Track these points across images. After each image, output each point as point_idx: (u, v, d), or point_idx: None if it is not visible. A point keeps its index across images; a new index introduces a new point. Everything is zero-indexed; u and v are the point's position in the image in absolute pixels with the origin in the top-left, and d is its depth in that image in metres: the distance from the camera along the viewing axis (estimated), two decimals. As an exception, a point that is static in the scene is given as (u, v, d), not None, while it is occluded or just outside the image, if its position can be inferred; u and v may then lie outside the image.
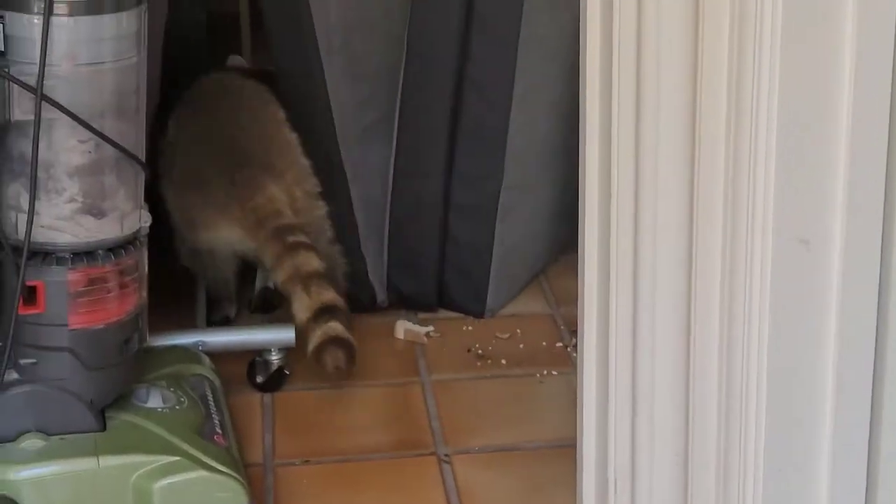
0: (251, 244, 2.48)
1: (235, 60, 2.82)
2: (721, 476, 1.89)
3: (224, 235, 2.51)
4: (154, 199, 2.25)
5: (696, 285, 1.84)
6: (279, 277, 2.43)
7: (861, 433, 1.79)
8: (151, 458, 2.03)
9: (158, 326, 2.34)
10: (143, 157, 2.04)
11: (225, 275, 2.62)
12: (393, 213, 2.69)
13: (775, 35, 1.65)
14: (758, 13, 1.63)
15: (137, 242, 2.06)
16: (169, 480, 2.02)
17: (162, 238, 2.35)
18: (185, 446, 2.06)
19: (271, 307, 2.63)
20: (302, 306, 2.39)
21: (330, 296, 2.39)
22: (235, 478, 2.05)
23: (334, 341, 2.35)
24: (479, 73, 2.57)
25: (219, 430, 2.16)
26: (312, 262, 2.41)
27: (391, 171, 2.67)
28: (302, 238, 2.43)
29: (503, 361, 2.56)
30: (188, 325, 2.53)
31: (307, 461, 2.27)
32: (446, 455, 2.27)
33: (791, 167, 1.69)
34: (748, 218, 1.73)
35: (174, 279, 2.76)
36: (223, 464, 2.06)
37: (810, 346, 1.76)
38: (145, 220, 2.07)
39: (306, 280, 2.39)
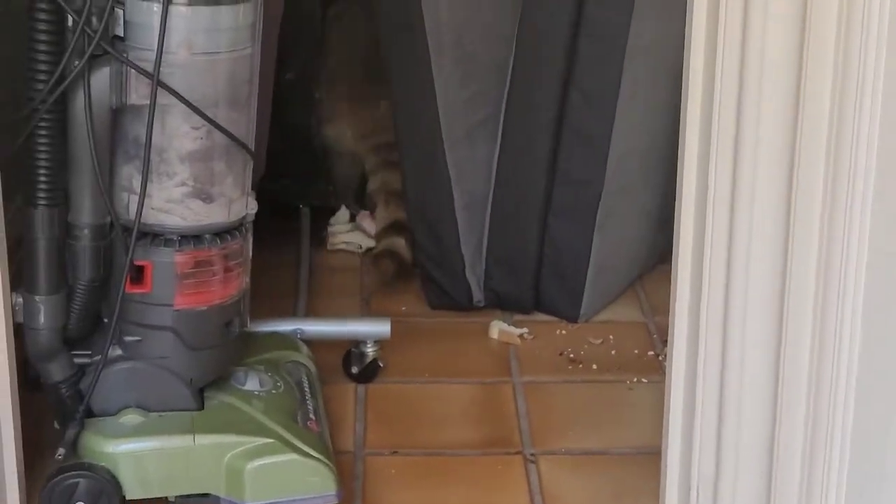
0: (359, 148, 2.96)
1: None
2: (804, 488, 1.90)
3: (337, 133, 2.96)
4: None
5: (789, 296, 1.85)
6: (371, 186, 2.94)
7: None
8: (245, 439, 2.08)
9: (260, 313, 2.40)
10: (252, 145, 2.09)
11: (345, 171, 3.02)
12: (494, 214, 2.73)
13: (881, 43, 1.66)
14: (864, 21, 1.65)
15: (243, 228, 2.12)
16: (261, 462, 2.07)
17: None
18: (279, 429, 2.11)
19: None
20: (380, 217, 2.89)
21: (403, 214, 2.80)
22: (326, 463, 2.10)
23: (392, 255, 2.80)
24: (585, 77, 2.60)
25: (312, 416, 2.21)
26: (398, 182, 2.79)
27: (494, 171, 2.70)
28: (395, 157, 2.78)
29: (594, 367, 2.59)
30: (288, 313, 2.57)
31: (396, 452, 2.31)
32: (532, 455, 2.30)
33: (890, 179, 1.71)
34: (845, 228, 1.74)
35: (278, 269, 2.84)
36: (315, 449, 2.11)
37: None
38: (252, 206, 2.12)
39: (388, 196, 2.86)
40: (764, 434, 1.91)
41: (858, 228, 1.73)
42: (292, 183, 2.99)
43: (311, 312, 2.68)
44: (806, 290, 1.83)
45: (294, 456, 2.08)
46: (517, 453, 2.31)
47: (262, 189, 2.55)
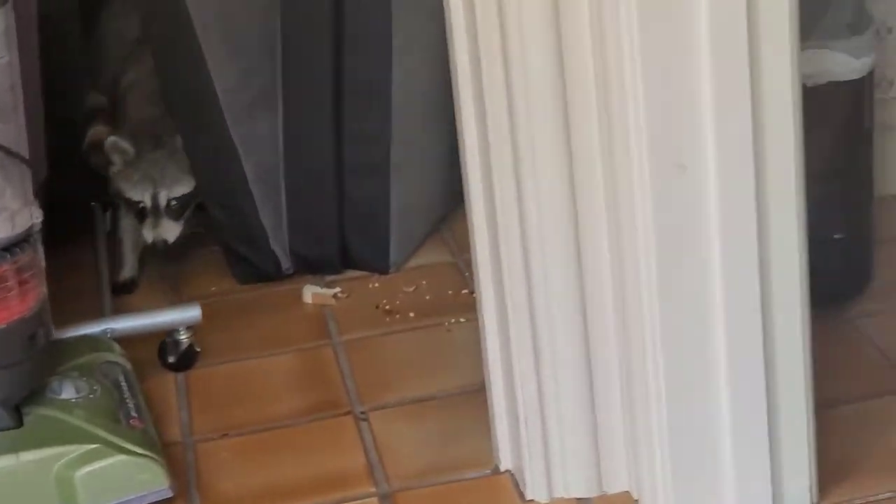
0: None
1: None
2: (626, 396, 1.94)
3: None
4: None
5: (581, 219, 1.88)
6: None
7: (755, 343, 1.84)
8: (70, 448, 2.06)
9: (65, 318, 2.36)
10: (25, 153, 2.05)
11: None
12: (288, 182, 2.71)
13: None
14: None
15: (31, 239, 2.07)
16: (89, 468, 2.05)
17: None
18: (102, 433, 2.09)
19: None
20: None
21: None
22: (154, 459, 2.08)
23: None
24: (355, 29, 2.59)
25: (134, 414, 2.19)
26: None
27: (281, 140, 2.69)
28: None
29: (411, 314, 2.59)
30: (94, 314, 2.53)
31: (226, 435, 2.30)
32: (363, 412, 2.31)
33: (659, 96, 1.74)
34: (628, 143, 1.77)
35: (79, 270, 2.78)
36: (141, 446, 2.09)
37: (696, 270, 1.81)
38: (37, 216, 2.08)
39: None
40: (579, 355, 1.94)
41: (637, 148, 1.76)
42: (79, 182, 2.92)
43: (119, 310, 2.63)
44: (598, 207, 1.86)
45: (121, 457, 2.06)
46: (347, 413, 2.31)
47: (50, 192, 2.53)
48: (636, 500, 1.99)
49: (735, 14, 1.69)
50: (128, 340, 2.44)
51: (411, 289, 2.68)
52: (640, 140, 1.74)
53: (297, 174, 2.70)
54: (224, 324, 2.61)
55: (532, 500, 2.03)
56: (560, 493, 2.02)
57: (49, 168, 2.60)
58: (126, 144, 2.69)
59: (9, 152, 2.00)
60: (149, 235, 2.69)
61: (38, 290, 2.10)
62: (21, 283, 2.06)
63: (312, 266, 2.77)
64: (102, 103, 2.95)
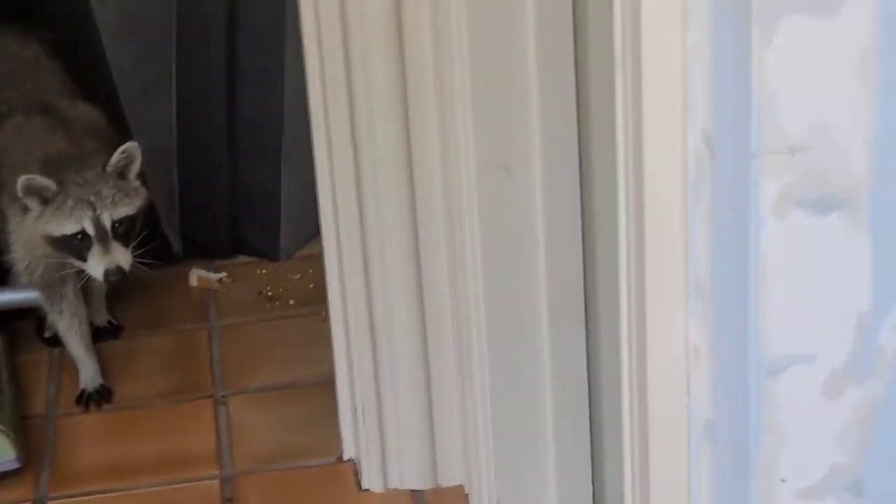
0: None
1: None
2: (461, 395, 1.96)
3: None
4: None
5: (420, 217, 1.91)
6: None
7: (577, 339, 1.86)
8: (-85, 417, 2.09)
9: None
10: None
11: None
12: (181, 166, 2.74)
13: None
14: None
15: None
16: (-66, 438, 2.08)
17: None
18: (-49, 403, 2.12)
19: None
20: None
21: None
22: (2, 430, 2.11)
23: None
24: (250, 20, 2.62)
25: (-10, 387, 2.22)
26: None
27: (175, 125, 2.71)
28: None
29: (291, 302, 2.62)
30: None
31: (87, 410, 2.32)
32: (223, 396, 2.34)
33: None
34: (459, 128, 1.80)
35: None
36: (-10, 418, 2.12)
37: (521, 269, 1.84)
38: None
39: None
40: (415, 347, 1.97)
41: (464, 135, 1.79)
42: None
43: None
44: (435, 205, 1.89)
45: (-34, 427, 2.10)
46: (208, 397, 2.34)
47: None
48: (467, 495, 2.02)
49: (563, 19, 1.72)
50: (9, 314, 2.47)
51: (297, 277, 2.71)
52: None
53: (190, 159, 2.73)
54: (109, 303, 2.64)
55: (367, 490, 2.06)
56: (395, 483, 2.05)
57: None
58: (43, 179, 2.28)
59: None
60: (98, 268, 2.28)
61: None
62: None
63: (204, 250, 2.79)
64: None
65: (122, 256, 2.29)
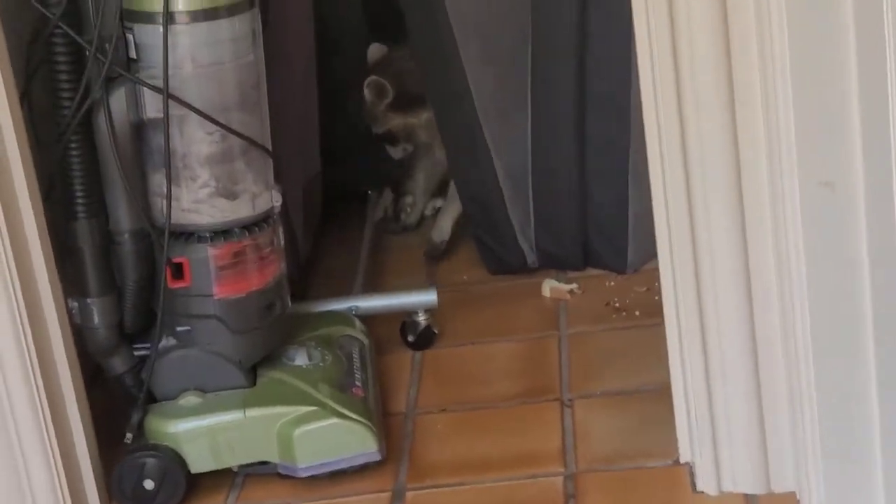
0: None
1: (375, 51, 3.08)
2: (791, 400, 2.03)
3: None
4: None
5: (749, 227, 2.01)
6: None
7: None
8: (291, 408, 2.30)
9: (319, 293, 2.64)
10: (268, 144, 2.30)
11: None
12: (535, 181, 2.90)
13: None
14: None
15: (270, 220, 2.33)
16: (307, 427, 2.29)
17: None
18: (322, 398, 2.32)
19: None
20: None
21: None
22: (366, 424, 2.30)
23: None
24: (599, 49, 2.76)
25: (358, 384, 2.41)
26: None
27: (530, 142, 2.87)
28: None
29: (637, 313, 2.74)
30: (344, 293, 2.78)
31: (444, 410, 2.50)
32: (569, 400, 2.47)
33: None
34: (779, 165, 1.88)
35: (348, 251, 3.05)
36: (356, 412, 2.31)
37: (846, 278, 1.90)
38: (276, 199, 2.33)
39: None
40: (746, 357, 2.06)
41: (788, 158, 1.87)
42: (357, 170, 3.18)
43: (373, 290, 2.87)
44: (764, 224, 1.97)
45: (335, 420, 2.29)
46: (555, 400, 2.48)
47: (331, 179, 2.97)
48: (799, 501, 2.09)
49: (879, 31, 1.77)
50: (375, 319, 2.68)
51: (643, 289, 2.82)
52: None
53: (543, 176, 2.89)
54: (467, 310, 2.82)
55: (702, 492, 2.16)
56: (729, 487, 2.14)
57: (323, 164, 2.91)
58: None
59: (252, 142, 2.25)
60: None
61: (276, 266, 2.35)
62: (260, 258, 2.31)
63: (556, 262, 2.95)
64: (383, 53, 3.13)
65: None
